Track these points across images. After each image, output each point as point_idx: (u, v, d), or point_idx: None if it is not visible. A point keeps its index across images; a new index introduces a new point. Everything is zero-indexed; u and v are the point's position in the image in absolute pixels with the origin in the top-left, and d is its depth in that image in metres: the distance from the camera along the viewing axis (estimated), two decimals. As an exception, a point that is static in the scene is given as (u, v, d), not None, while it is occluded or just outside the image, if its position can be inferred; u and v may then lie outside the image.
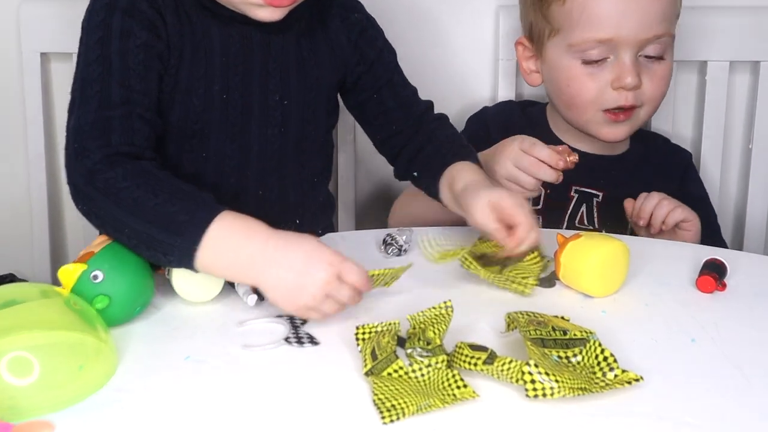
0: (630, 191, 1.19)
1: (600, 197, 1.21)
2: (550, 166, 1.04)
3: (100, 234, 0.87)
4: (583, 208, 1.22)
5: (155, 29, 0.91)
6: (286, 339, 0.82)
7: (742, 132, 1.43)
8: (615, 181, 1.23)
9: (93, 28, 0.91)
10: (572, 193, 1.23)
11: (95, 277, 0.81)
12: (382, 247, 0.99)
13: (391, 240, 0.99)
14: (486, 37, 1.40)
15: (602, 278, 0.91)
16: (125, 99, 0.88)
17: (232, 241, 0.82)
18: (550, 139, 1.18)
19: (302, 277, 0.81)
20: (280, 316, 0.85)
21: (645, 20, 1.15)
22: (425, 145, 1.04)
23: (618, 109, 1.18)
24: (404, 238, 0.99)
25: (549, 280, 0.94)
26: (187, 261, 0.82)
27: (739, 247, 1.41)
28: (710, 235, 1.23)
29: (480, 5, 1.39)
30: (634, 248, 0.93)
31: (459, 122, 1.37)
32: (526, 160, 1.04)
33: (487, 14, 1.39)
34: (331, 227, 1.14)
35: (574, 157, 1.05)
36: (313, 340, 0.81)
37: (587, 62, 1.18)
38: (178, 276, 0.87)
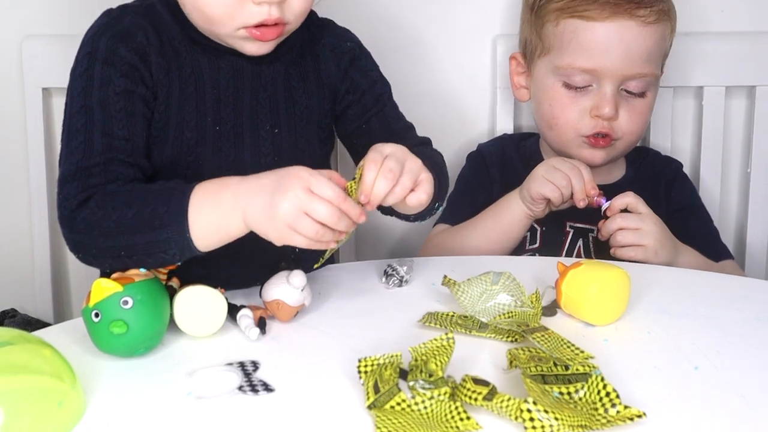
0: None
1: (595, 232, 1.21)
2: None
3: (101, 273, 0.88)
4: (580, 243, 1.23)
5: (136, 73, 0.93)
6: (240, 388, 0.79)
7: (740, 156, 1.44)
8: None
9: (77, 78, 0.94)
10: (567, 229, 1.24)
11: (125, 302, 0.82)
12: (384, 279, 1.00)
13: (392, 271, 0.99)
14: (484, 65, 1.41)
15: (603, 306, 0.91)
16: (107, 147, 0.91)
17: (210, 199, 0.85)
18: None
19: (274, 195, 0.82)
20: (230, 364, 0.83)
21: (629, 58, 1.18)
22: None
23: (596, 135, 1.21)
24: (405, 269, 1.00)
25: (550, 309, 0.94)
26: (187, 246, 0.85)
27: (741, 268, 1.41)
28: (709, 241, 1.24)
29: (477, 34, 1.40)
30: (634, 275, 0.93)
31: (459, 151, 1.38)
32: (558, 175, 1.13)
33: (485, 43, 1.40)
34: (332, 257, 1.14)
35: (599, 203, 1.14)
36: (267, 387, 0.79)
37: (570, 87, 1.21)
38: (180, 311, 0.87)
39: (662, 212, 1.17)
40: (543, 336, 0.85)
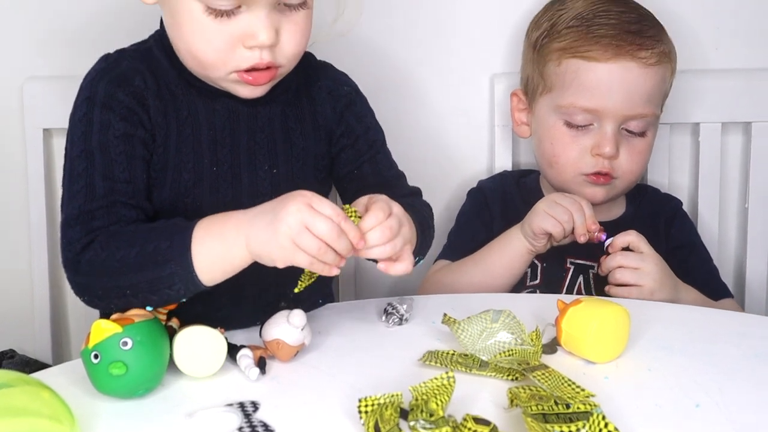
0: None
1: (596, 268, 1.22)
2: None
3: (100, 314, 0.88)
4: (580, 280, 1.24)
5: (135, 116, 0.94)
6: (239, 429, 0.78)
7: (737, 191, 1.44)
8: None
9: (76, 122, 0.95)
10: (568, 265, 1.24)
11: (125, 343, 0.82)
12: (383, 317, 1.00)
13: (392, 309, 0.99)
14: (482, 104, 1.42)
15: (604, 344, 0.91)
16: (109, 190, 0.92)
17: (213, 232, 0.86)
18: None
19: (276, 213, 0.83)
20: (230, 405, 0.82)
21: (630, 98, 1.20)
22: None
23: (596, 174, 1.22)
24: (405, 307, 0.99)
25: (551, 347, 0.94)
26: (191, 281, 0.85)
27: (740, 306, 1.41)
28: (709, 279, 1.24)
29: (475, 73, 1.41)
30: (634, 312, 0.93)
31: (458, 189, 1.39)
32: (559, 209, 1.15)
33: (483, 81, 1.41)
34: (331, 295, 1.14)
35: (600, 239, 1.15)
36: (267, 428, 0.78)
37: (572, 126, 1.22)
38: (179, 351, 0.87)
39: (662, 249, 1.18)
40: (544, 374, 0.85)
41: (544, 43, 1.25)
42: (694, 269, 1.24)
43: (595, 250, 1.18)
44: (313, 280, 0.91)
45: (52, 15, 1.34)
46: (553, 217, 1.14)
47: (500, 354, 0.91)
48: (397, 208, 0.89)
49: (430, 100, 1.42)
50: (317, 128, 1.04)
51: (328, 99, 1.05)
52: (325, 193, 1.08)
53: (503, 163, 1.41)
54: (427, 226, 1.03)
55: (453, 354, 0.91)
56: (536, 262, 1.23)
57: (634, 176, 1.25)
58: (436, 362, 0.89)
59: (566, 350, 0.92)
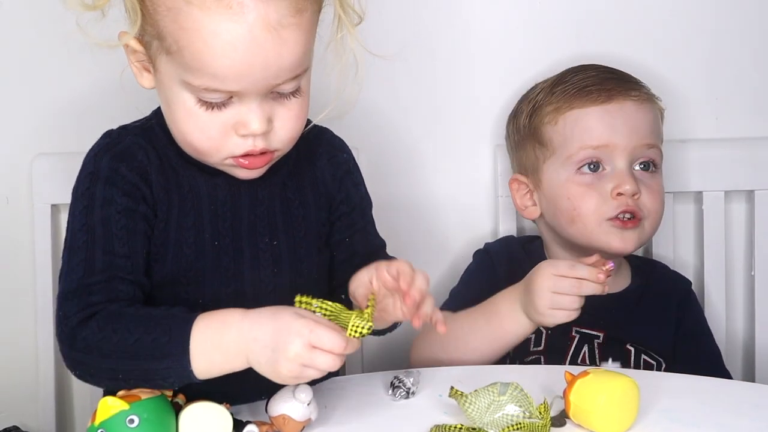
0: (630, 329, 1.20)
1: (601, 338, 1.21)
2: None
3: (105, 392, 0.87)
4: (585, 349, 1.22)
5: (138, 191, 0.95)
6: None
7: (743, 259, 1.44)
8: (616, 320, 1.23)
9: (79, 197, 0.96)
10: (573, 334, 1.23)
11: (131, 420, 0.82)
12: (390, 390, 0.99)
13: (399, 383, 0.99)
14: (485, 175, 1.43)
15: (613, 416, 0.90)
16: (108, 265, 0.92)
17: (213, 339, 0.86)
18: None
19: (276, 352, 0.84)
20: None
21: (635, 130, 1.21)
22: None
23: (623, 216, 1.20)
24: (411, 380, 0.99)
25: (560, 419, 0.93)
26: (185, 376, 0.86)
27: (750, 377, 1.40)
28: (709, 368, 1.21)
29: (477, 145, 1.43)
30: (643, 383, 0.92)
31: (464, 255, 1.39)
32: (565, 283, 1.07)
33: (485, 153, 1.43)
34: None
35: (610, 265, 1.07)
36: None
37: (585, 173, 1.21)
38: (185, 428, 0.86)
39: (671, 332, 1.16)
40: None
41: (533, 118, 1.26)
42: (702, 356, 1.24)
43: (602, 318, 1.17)
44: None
45: (61, 92, 1.37)
46: (563, 308, 1.07)
47: (509, 428, 0.90)
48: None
49: (435, 170, 1.43)
50: (318, 195, 1.05)
51: (327, 166, 1.06)
52: (325, 260, 1.08)
53: (507, 229, 1.41)
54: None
55: (461, 428, 0.90)
56: (541, 329, 1.21)
57: (658, 216, 1.23)
58: None
59: (575, 423, 0.91)
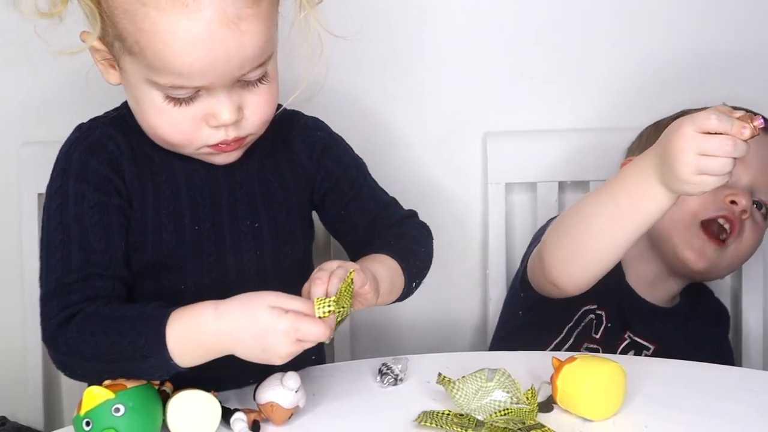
0: (678, 346, 1.19)
1: (651, 350, 1.21)
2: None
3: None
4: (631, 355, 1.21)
5: (110, 184, 0.95)
6: None
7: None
8: (667, 334, 1.23)
9: (52, 195, 0.96)
10: (625, 336, 1.22)
11: (117, 409, 0.82)
12: (378, 377, 0.99)
13: (387, 369, 0.99)
14: (475, 162, 1.43)
15: (600, 401, 0.90)
16: (85, 262, 0.92)
17: (191, 336, 0.86)
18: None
19: (266, 352, 0.85)
20: None
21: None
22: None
23: (722, 219, 1.16)
24: (399, 367, 0.99)
25: (547, 405, 0.93)
26: (172, 370, 0.86)
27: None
28: None
29: (466, 132, 1.43)
30: (630, 368, 0.93)
31: (453, 244, 1.39)
32: (714, 142, 0.89)
33: (474, 140, 1.43)
34: (323, 349, 1.13)
35: (760, 122, 0.90)
36: None
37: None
38: (173, 416, 0.86)
39: (708, 355, 1.13)
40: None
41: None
42: None
43: (655, 330, 1.17)
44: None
45: (48, 81, 1.36)
46: (715, 157, 0.89)
47: (496, 413, 0.90)
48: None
49: (422, 158, 1.43)
50: (296, 177, 1.05)
51: (303, 147, 1.06)
52: (308, 245, 1.08)
53: (497, 219, 1.41)
54: (413, 251, 1.03)
55: (449, 414, 0.90)
56: (603, 320, 1.19)
57: (739, 265, 1.24)
58: (431, 423, 0.88)
59: (562, 408, 0.92)
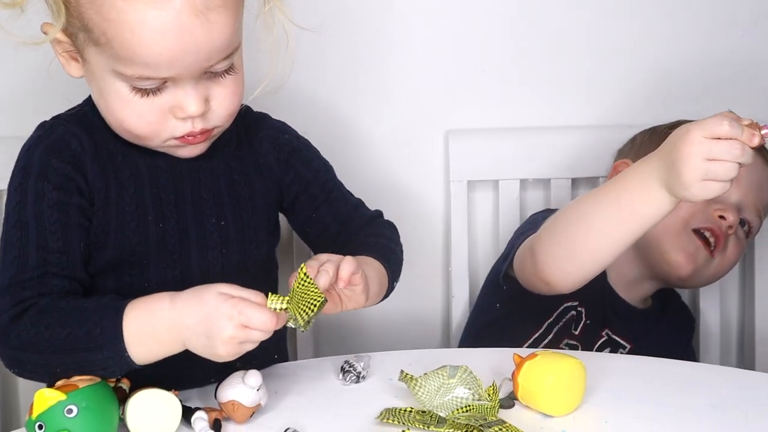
0: (651, 347, 1.20)
1: (627, 350, 1.22)
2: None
3: (48, 385, 0.86)
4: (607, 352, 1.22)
5: (71, 183, 0.94)
6: None
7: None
8: (642, 334, 1.25)
9: (12, 192, 0.95)
10: (602, 334, 1.23)
11: (69, 410, 0.80)
12: (340, 375, 0.99)
13: (349, 367, 0.99)
14: (437, 160, 1.44)
15: (560, 397, 0.91)
16: (41, 261, 0.91)
17: (146, 328, 0.86)
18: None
19: (210, 339, 0.84)
20: None
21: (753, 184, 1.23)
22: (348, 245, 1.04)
23: (709, 231, 1.19)
24: (362, 364, 0.99)
25: (508, 401, 0.94)
26: (125, 364, 0.86)
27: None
28: None
29: (428, 129, 1.43)
30: (590, 364, 0.93)
31: (416, 241, 1.39)
32: (723, 147, 0.88)
33: (436, 138, 1.43)
34: (285, 349, 1.13)
35: (766, 131, 0.90)
36: None
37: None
38: (133, 416, 0.85)
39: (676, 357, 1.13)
40: (501, 429, 0.85)
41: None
42: None
43: (631, 330, 1.19)
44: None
45: (8, 74, 1.33)
46: (723, 162, 0.89)
47: (458, 410, 0.90)
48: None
49: (384, 155, 1.43)
50: (263, 179, 1.04)
51: (270, 149, 1.05)
52: (273, 244, 1.08)
53: (459, 217, 1.42)
54: (390, 249, 1.05)
55: (411, 411, 0.90)
56: (582, 317, 1.20)
57: (717, 278, 1.25)
58: (393, 420, 0.88)
59: (523, 404, 0.92)
